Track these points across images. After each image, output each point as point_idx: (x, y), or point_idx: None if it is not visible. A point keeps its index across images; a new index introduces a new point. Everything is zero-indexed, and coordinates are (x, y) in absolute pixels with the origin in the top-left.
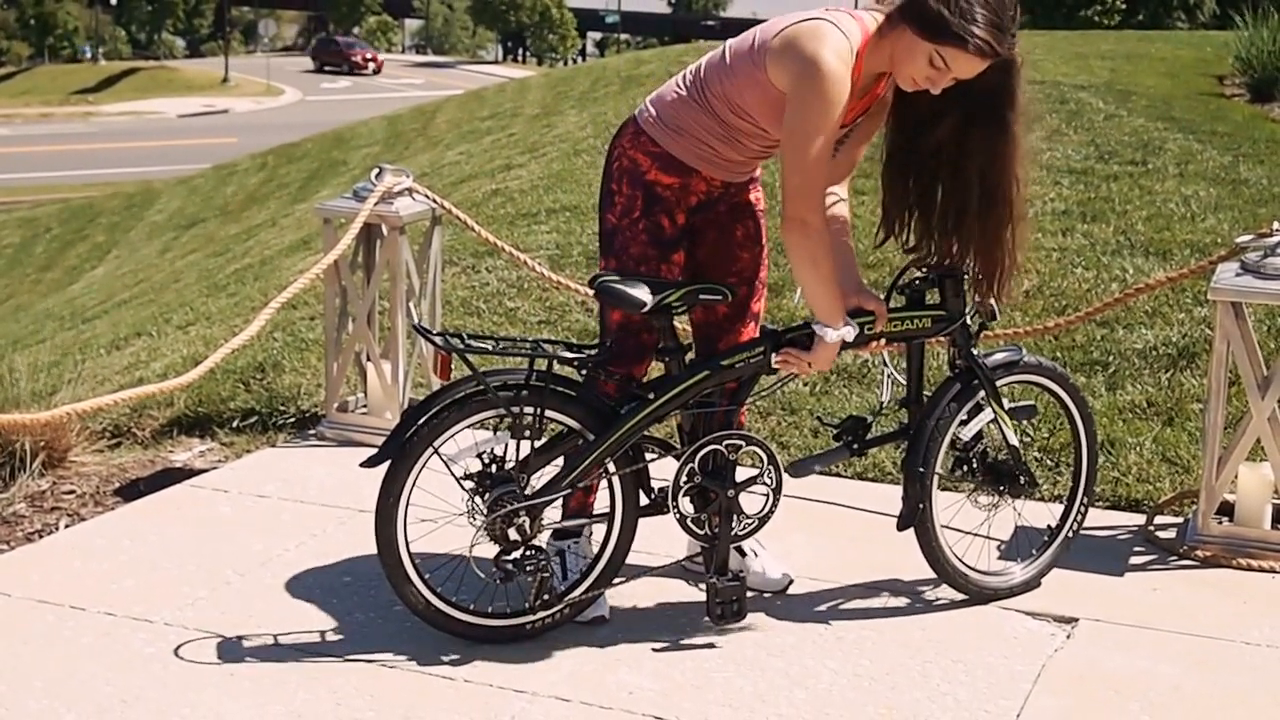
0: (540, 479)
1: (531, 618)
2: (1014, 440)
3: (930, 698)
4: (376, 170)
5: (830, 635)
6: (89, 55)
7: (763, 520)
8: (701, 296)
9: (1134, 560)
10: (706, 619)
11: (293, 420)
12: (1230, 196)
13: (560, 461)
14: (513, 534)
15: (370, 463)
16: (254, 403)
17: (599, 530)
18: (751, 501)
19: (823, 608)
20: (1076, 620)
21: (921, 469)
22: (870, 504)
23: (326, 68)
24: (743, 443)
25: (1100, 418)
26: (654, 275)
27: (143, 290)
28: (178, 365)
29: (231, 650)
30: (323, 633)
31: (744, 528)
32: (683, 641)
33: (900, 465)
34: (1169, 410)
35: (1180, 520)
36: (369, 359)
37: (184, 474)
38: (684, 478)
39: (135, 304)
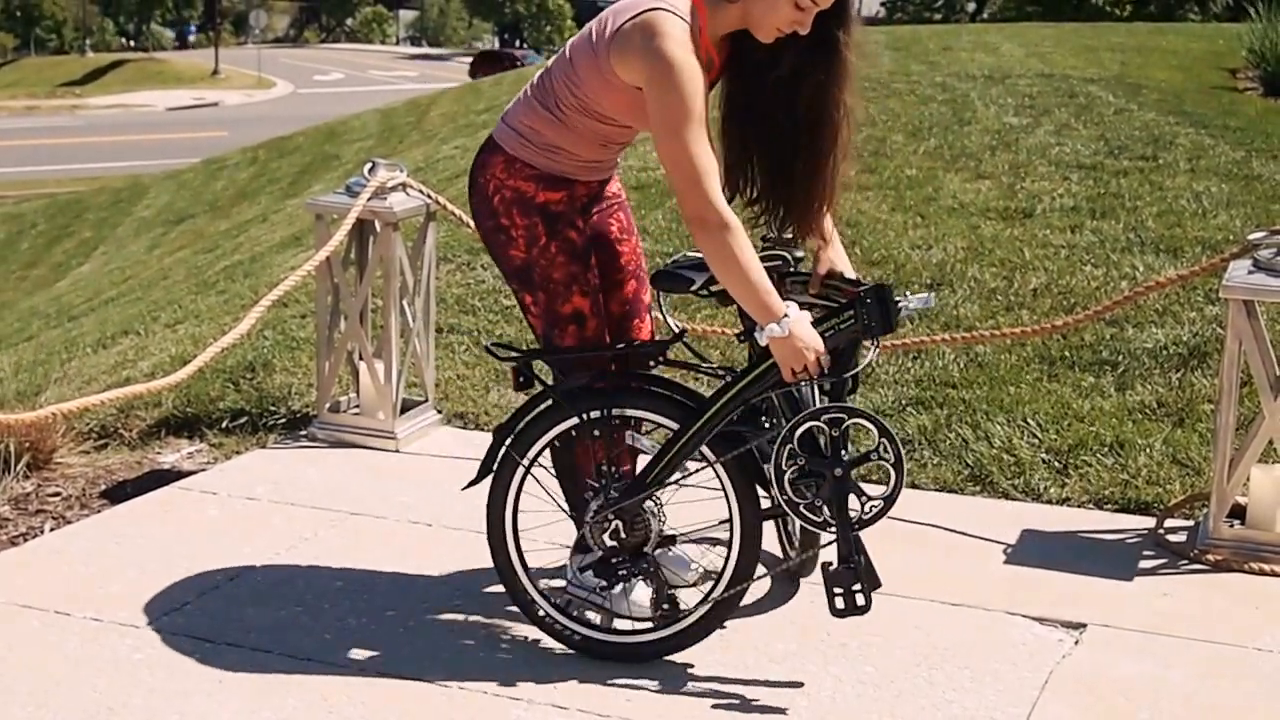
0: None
1: (654, 635)
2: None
3: (936, 705)
4: (370, 165)
5: (833, 642)
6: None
7: (889, 500)
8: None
9: (1143, 564)
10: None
11: (283, 421)
12: (1243, 192)
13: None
14: (608, 540)
15: (469, 485)
16: (244, 403)
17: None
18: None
19: (826, 614)
20: (1085, 626)
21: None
22: None
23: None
24: (845, 416)
25: (1110, 418)
26: (585, 289)
27: (130, 288)
28: (166, 364)
29: (221, 656)
30: (314, 639)
31: (871, 510)
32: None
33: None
34: (1180, 411)
35: (1191, 524)
36: (361, 358)
37: (172, 476)
38: (785, 460)
39: (123, 302)
